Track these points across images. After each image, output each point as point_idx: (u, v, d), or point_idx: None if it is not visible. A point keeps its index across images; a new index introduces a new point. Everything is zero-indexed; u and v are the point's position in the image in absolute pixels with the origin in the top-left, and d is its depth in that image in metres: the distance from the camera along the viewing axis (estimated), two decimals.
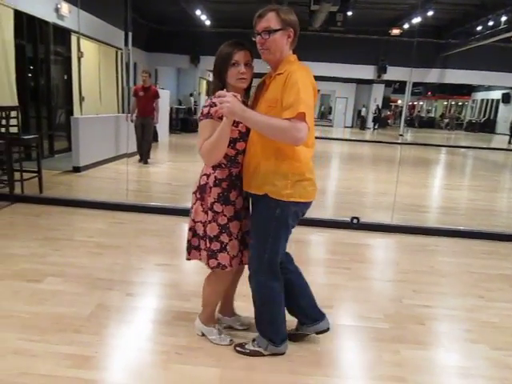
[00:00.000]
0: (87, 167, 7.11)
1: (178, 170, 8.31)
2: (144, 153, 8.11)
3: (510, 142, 19.21)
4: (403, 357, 2.45)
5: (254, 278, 2.24)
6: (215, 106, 1.98)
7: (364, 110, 23.55)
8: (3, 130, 4.94)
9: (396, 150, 14.79)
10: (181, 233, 4.66)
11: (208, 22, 14.70)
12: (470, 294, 3.35)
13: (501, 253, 4.33)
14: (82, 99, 8.89)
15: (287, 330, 2.39)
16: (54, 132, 8.53)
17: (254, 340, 2.36)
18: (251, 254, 2.22)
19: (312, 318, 2.45)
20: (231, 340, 2.42)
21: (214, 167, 2.14)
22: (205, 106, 2.07)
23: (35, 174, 5.36)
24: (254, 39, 2.05)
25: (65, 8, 8.07)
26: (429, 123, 29.84)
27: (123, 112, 10.66)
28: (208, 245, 2.16)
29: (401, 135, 20.53)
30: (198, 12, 13.49)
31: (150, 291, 3.08)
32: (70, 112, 8.76)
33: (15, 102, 6.70)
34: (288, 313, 2.43)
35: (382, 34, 15.24)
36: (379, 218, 5.19)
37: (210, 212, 2.15)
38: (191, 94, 18.44)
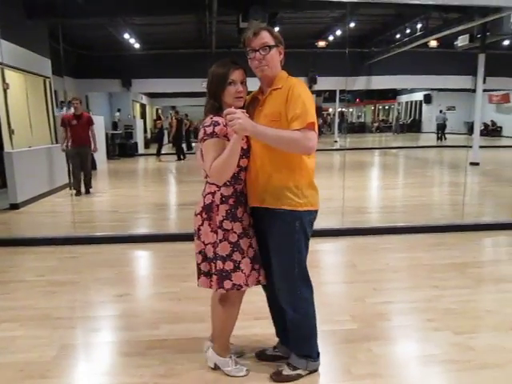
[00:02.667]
0: (26, 203, 6.75)
1: (121, 196, 8.09)
2: (86, 183, 7.80)
3: (438, 139, 20.44)
4: (376, 354, 2.53)
5: (288, 296, 2.19)
6: (218, 124, 1.99)
7: None
8: None
9: (332, 156, 15.28)
10: (136, 260, 4.57)
11: (137, 45, 14.54)
12: (426, 285, 3.53)
13: (448, 243, 4.60)
14: (11, 132, 8.46)
15: (260, 349, 2.43)
16: None
17: (288, 364, 2.29)
18: (278, 273, 2.17)
19: None
20: (247, 370, 2.32)
21: (219, 185, 2.11)
22: (207, 126, 2.02)
23: None
24: (248, 57, 2.08)
25: None
26: (360, 128, 31.16)
27: (56, 142, 10.26)
28: (221, 266, 2.08)
29: (335, 141, 21.24)
30: (126, 36, 13.29)
31: (116, 324, 2.98)
32: (0, 147, 8.30)
33: None
34: (276, 331, 2.44)
35: (310, 46, 15.82)
36: (329, 223, 5.34)
37: (219, 231, 2.09)
38: (119, 110, 18.14)
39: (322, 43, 15.46)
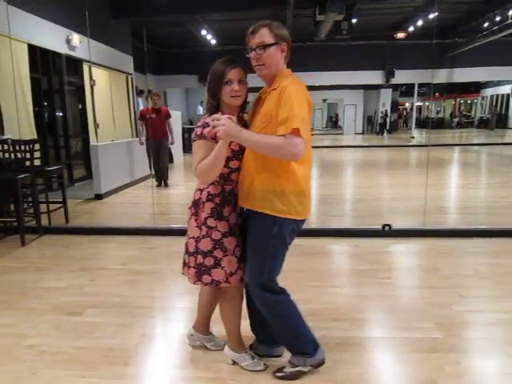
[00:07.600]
0: (108, 194, 7.12)
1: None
2: (163, 175, 8.11)
3: None
4: (465, 367, 2.34)
5: (259, 299, 2.16)
6: (208, 126, 1.99)
7: (380, 115, 23.21)
8: (27, 162, 4.96)
9: (409, 153, 14.65)
10: None
11: (214, 41, 14.83)
12: None
13: None
14: (96, 126, 8.96)
15: None
16: (72, 161, 8.59)
17: (289, 362, 2.29)
18: (249, 274, 2.14)
19: (272, 339, 2.39)
20: (265, 364, 2.34)
21: None
22: (198, 127, 2.06)
23: (60, 205, 5.37)
24: (247, 55, 2.05)
25: (75, 39, 8.18)
26: (439, 123, 29.62)
27: (137, 136, 10.73)
28: (201, 260, 2.13)
29: (412, 137, 20.37)
30: (203, 32, 13.61)
31: (194, 316, 3.00)
32: (86, 140, 8.83)
33: (34, 135, 6.76)
34: (251, 328, 2.43)
35: (388, 38, 15.23)
36: (410, 223, 5.08)
37: (203, 227, 2.13)
38: (201, 103, 19.04)
39: (400, 35, 14.81)
